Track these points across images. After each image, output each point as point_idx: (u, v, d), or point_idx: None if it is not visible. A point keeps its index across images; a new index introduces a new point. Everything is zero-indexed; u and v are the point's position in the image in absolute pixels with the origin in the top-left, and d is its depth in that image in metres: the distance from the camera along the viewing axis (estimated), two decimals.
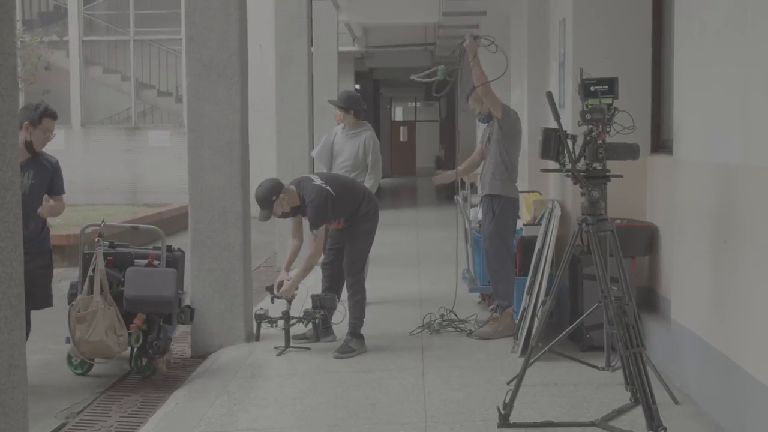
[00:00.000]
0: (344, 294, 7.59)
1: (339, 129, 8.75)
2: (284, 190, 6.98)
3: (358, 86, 25.38)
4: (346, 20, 17.61)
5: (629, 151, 5.36)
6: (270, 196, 6.90)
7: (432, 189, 30.25)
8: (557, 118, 5.28)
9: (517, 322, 7.25)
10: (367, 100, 30.03)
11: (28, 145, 6.33)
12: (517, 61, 12.44)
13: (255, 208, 7.08)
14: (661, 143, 7.26)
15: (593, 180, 5.28)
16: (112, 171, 21.25)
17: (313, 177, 7.24)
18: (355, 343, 7.12)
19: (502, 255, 7.52)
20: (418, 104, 43.84)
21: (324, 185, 7.01)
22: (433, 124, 41.43)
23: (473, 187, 8.78)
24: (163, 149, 21.36)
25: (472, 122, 21.76)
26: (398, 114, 45.54)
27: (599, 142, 5.23)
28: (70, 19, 21.91)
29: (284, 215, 7.07)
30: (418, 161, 40.71)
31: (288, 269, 7.34)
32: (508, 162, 7.50)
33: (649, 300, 7.09)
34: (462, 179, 9.17)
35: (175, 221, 15.29)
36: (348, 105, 8.47)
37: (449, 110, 30.57)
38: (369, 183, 8.29)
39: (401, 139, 41.26)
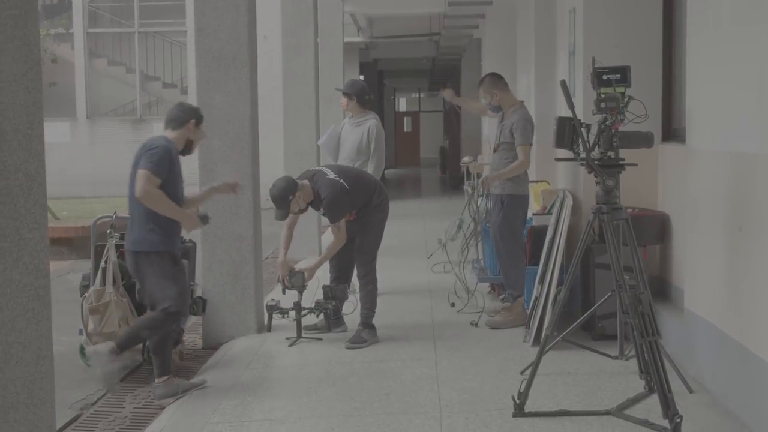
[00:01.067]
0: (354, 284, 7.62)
1: (347, 120, 8.77)
2: (299, 187, 6.96)
3: (362, 77, 25.36)
4: (351, 11, 17.59)
5: (644, 140, 5.35)
6: (287, 195, 6.88)
7: (436, 180, 30.31)
8: (572, 107, 5.26)
9: (528, 311, 7.25)
10: (371, 91, 29.94)
11: (189, 144, 6.23)
12: (524, 51, 12.44)
13: (265, 199, 7.07)
14: (672, 132, 7.25)
15: (608, 169, 5.27)
16: (118, 163, 21.17)
17: (326, 171, 7.21)
18: (367, 333, 7.13)
19: (512, 246, 7.52)
20: (422, 95, 43.81)
21: (338, 179, 7.00)
22: (437, 114, 41.45)
23: (479, 177, 8.79)
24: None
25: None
26: (402, 105, 45.53)
27: (613, 130, 5.21)
28: (74, 11, 21.92)
29: (300, 212, 7.07)
30: (422, 152, 40.73)
31: (284, 258, 7.33)
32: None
33: (661, 289, 7.09)
34: (469, 170, 9.22)
35: None
36: (351, 91, 8.49)
37: None
38: (369, 170, 8.30)
39: (405, 130, 41.27)
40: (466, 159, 9.53)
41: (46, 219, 2.59)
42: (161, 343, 6.08)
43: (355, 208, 7.16)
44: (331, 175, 7.08)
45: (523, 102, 7.87)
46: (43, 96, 2.64)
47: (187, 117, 6.17)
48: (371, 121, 8.54)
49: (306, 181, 7.04)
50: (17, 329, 2.50)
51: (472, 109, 8.57)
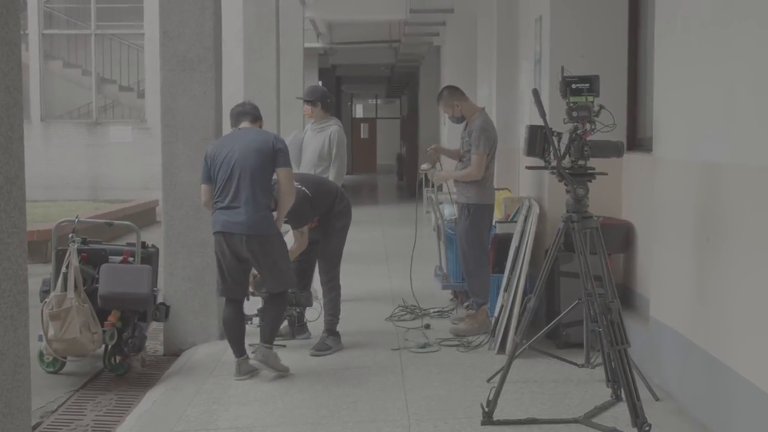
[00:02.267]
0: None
1: (309, 126, 8.71)
2: None
3: (320, 82, 25.29)
4: (311, 16, 17.55)
5: (614, 149, 5.39)
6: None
7: (393, 186, 30.32)
8: (543, 115, 5.27)
9: (492, 319, 7.25)
10: (332, 95, 29.85)
11: None
12: (485, 59, 12.49)
13: None
14: (637, 141, 7.30)
15: (578, 177, 5.29)
16: (73, 166, 21.00)
17: None
18: (332, 340, 7.09)
19: (479, 254, 7.52)
20: (379, 101, 43.85)
21: (300, 186, 6.95)
22: (394, 121, 41.50)
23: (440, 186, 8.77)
24: (124, 145, 21.14)
25: (435, 119, 21.83)
26: (359, 111, 45.50)
27: (584, 139, 5.23)
28: (29, 12, 21.59)
29: None
30: (378, 158, 40.76)
31: None
32: (485, 174, 7.50)
33: (625, 297, 7.13)
34: (427, 176, 9.20)
35: (139, 217, 15.12)
36: (315, 97, 8.43)
37: (411, 107, 30.58)
38: (331, 176, 8.25)
39: (362, 137, 41.26)
40: (424, 166, 9.51)
41: (25, 223, 2.53)
42: (282, 317, 6.72)
43: (317, 215, 7.12)
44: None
45: (484, 109, 7.88)
46: None
47: (260, 115, 6.71)
48: (333, 127, 8.49)
49: None
50: None
51: (452, 156, 8.43)
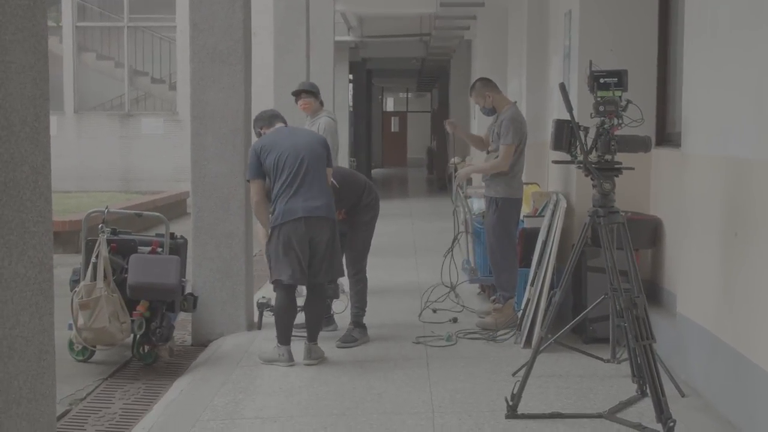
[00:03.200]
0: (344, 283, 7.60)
1: (307, 121, 8.66)
2: None
3: (351, 76, 25.30)
4: (342, 9, 17.54)
5: (641, 144, 5.36)
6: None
7: (423, 180, 30.33)
8: (570, 109, 5.26)
9: (519, 313, 7.25)
10: (359, 91, 29.91)
11: None
12: (515, 53, 12.44)
13: None
14: (666, 136, 7.26)
15: (605, 172, 5.27)
16: (105, 158, 21.17)
17: None
18: (358, 332, 7.12)
19: (505, 247, 7.52)
20: (410, 95, 43.80)
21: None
22: (424, 114, 41.46)
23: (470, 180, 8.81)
24: (155, 136, 21.29)
25: (465, 113, 21.78)
26: (390, 104, 45.47)
27: (611, 134, 5.21)
28: (63, 4, 21.79)
29: None
30: (409, 152, 40.72)
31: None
32: (513, 166, 7.49)
33: (652, 293, 7.09)
34: (457, 170, 9.21)
35: (170, 208, 15.25)
36: (316, 89, 8.44)
37: (441, 101, 30.55)
38: None
39: (392, 130, 41.25)
40: (455, 159, 9.52)
41: (50, 212, 2.56)
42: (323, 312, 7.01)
43: (345, 207, 7.14)
44: None
45: (516, 102, 7.87)
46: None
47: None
48: (323, 118, 8.44)
49: None
50: (21, 323, 2.47)
51: (473, 142, 8.50)
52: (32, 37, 2.50)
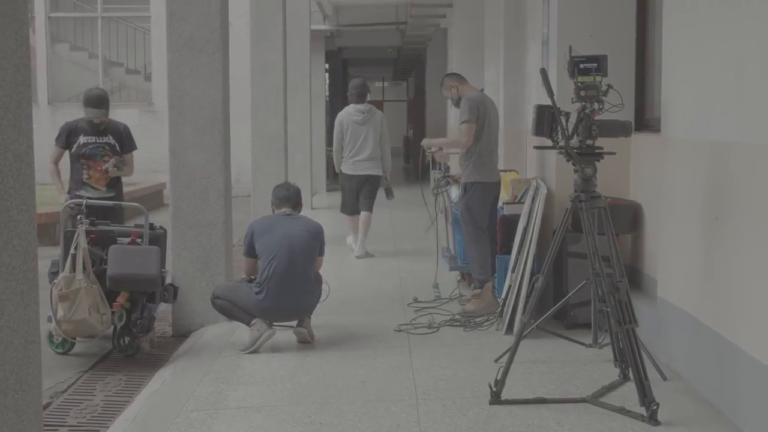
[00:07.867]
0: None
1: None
2: None
3: (327, 65, 25.21)
4: None
5: (622, 129, 5.37)
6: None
7: (400, 169, 30.27)
8: (551, 95, 5.26)
9: (500, 300, 7.26)
10: (336, 80, 29.70)
11: None
12: (492, 40, 12.44)
13: (236, 186, 7.03)
14: (645, 121, 7.28)
15: (586, 157, 5.28)
16: None
17: None
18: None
19: (472, 231, 7.56)
20: (386, 84, 43.72)
21: None
22: (401, 103, 41.38)
23: (446, 167, 8.86)
24: (131, 127, 21.08)
25: (441, 102, 21.75)
26: None
27: (592, 119, 5.22)
28: None
29: None
30: None
31: None
32: (480, 149, 7.51)
33: (633, 278, 7.11)
34: (434, 158, 9.26)
35: (148, 200, 15.12)
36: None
37: (418, 90, 30.49)
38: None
39: None
40: (431, 148, 9.50)
41: (34, 201, 2.53)
42: None
43: None
44: None
45: (482, 90, 7.93)
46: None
47: (301, 201, 7.15)
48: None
49: None
50: (7, 313, 2.44)
51: (452, 146, 8.64)
52: (12, 24, 2.47)
